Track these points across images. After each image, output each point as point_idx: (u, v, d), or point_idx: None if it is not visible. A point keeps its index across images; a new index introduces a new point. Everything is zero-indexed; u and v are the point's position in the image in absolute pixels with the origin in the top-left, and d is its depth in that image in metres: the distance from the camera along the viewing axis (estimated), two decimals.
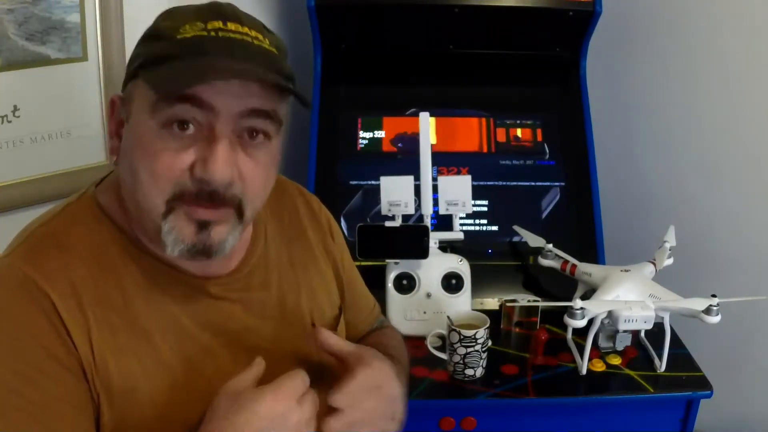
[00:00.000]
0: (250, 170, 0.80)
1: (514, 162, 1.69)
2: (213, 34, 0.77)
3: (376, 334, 1.15)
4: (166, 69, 0.76)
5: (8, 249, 0.84)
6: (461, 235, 1.51)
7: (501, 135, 1.71)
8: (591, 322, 1.32)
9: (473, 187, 1.50)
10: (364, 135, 1.70)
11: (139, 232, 0.85)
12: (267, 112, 0.80)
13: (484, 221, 1.65)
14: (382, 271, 1.46)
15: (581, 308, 1.28)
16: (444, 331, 1.36)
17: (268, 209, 0.99)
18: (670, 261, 1.47)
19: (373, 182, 1.56)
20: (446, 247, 1.53)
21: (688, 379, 1.36)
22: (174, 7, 0.82)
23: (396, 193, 1.47)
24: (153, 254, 0.85)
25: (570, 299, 1.31)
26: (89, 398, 0.79)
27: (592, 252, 1.62)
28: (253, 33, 0.80)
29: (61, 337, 0.78)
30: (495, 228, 1.65)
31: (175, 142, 0.77)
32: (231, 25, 0.78)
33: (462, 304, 1.47)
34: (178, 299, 0.86)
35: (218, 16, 0.78)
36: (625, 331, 1.37)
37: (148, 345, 0.83)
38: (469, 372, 1.34)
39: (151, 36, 0.81)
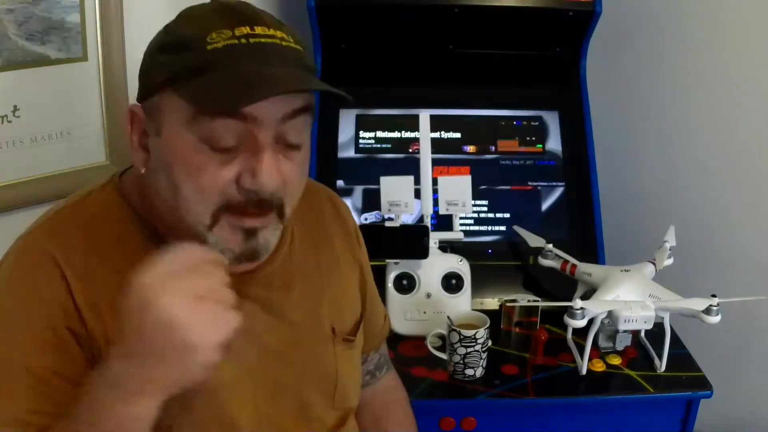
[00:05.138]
0: (290, 172, 0.81)
1: (515, 162, 1.69)
2: (244, 41, 0.76)
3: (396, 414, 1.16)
4: (204, 83, 0.75)
5: (30, 228, 0.85)
6: (461, 235, 1.51)
7: (501, 135, 1.71)
8: (591, 322, 1.32)
9: (473, 187, 1.50)
10: (364, 135, 1.70)
11: (163, 228, 0.85)
12: (305, 107, 0.80)
13: (485, 221, 1.65)
14: (382, 271, 1.46)
15: (581, 308, 1.28)
16: (444, 331, 1.36)
17: (295, 212, 0.98)
18: (670, 261, 1.47)
19: (372, 183, 1.56)
20: (446, 247, 1.53)
21: (688, 379, 1.36)
22: (190, 9, 0.81)
23: (396, 193, 1.47)
24: None
25: (570, 299, 1.31)
26: None
27: (592, 252, 1.61)
28: (279, 34, 0.79)
29: (71, 315, 0.79)
30: (495, 228, 1.65)
31: (218, 155, 0.77)
32: (258, 29, 0.77)
33: (462, 304, 1.47)
34: None
35: (243, 20, 0.77)
36: (625, 331, 1.37)
37: None
38: (469, 372, 1.34)
39: (175, 45, 0.78)
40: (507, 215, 1.65)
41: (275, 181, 0.78)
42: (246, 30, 0.77)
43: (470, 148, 1.69)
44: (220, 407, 0.86)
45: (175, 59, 0.77)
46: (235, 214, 0.79)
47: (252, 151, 0.77)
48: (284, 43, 0.79)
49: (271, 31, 0.78)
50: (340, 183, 1.64)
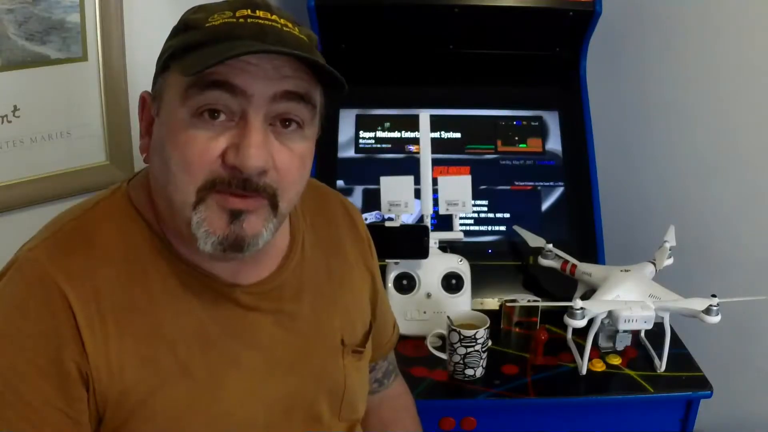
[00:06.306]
0: (284, 159, 0.78)
1: (515, 162, 1.69)
2: (242, 20, 0.76)
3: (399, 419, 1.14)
4: (196, 55, 0.75)
5: (35, 240, 0.82)
6: (461, 235, 1.51)
7: (501, 135, 1.71)
8: (591, 322, 1.32)
9: (473, 187, 1.50)
10: (364, 135, 1.70)
11: (170, 234, 0.82)
12: (300, 95, 0.78)
13: (485, 221, 1.65)
14: (382, 271, 1.45)
15: (581, 308, 1.28)
16: (444, 331, 1.36)
17: (307, 218, 0.96)
18: (670, 261, 1.47)
19: (372, 183, 1.56)
20: (446, 247, 1.53)
21: (688, 379, 1.36)
22: (203, 4, 0.82)
23: (396, 193, 1.47)
24: (184, 258, 0.82)
25: (570, 299, 1.31)
26: (86, 409, 0.77)
27: (592, 252, 1.62)
28: (283, 21, 0.79)
29: (70, 343, 0.76)
30: (495, 228, 1.65)
31: (207, 130, 0.75)
32: (260, 13, 0.78)
33: (462, 304, 1.47)
34: (207, 305, 0.83)
35: (247, 5, 0.78)
36: (625, 331, 1.37)
37: (171, 353, 0.80)
38: (469, 372, 1.34)
39: (180, 28, 0.80)
40: (507, 215, 1.65)
41: (261, 158, 0.75)
42: (247, 12, 0.77)
43: (470, 149, 1.69)
44: (230, 421, 0.84)
45: (177, 39, 0.79)
46: (221, 192, 0.76)
47: (240, 126, 0.76)
48: (285, 29, 0.78)
49: (274, 17, 0.78)
50: (340, 183, 1.64)
